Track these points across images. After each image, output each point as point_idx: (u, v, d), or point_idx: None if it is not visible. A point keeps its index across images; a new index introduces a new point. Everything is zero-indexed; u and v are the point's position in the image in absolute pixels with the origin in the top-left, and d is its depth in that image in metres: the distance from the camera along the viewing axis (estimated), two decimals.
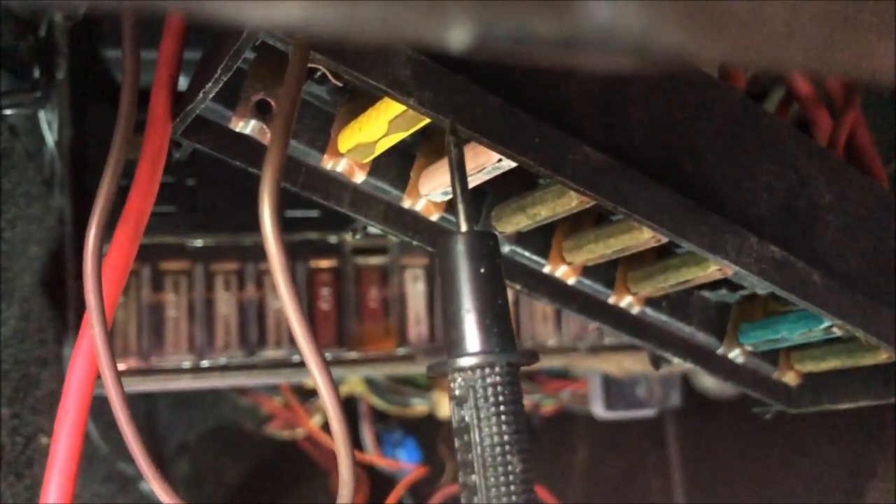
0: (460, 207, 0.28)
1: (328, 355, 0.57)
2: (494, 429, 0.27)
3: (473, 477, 0.27)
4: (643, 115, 0.32)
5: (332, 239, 0.58)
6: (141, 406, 0.74)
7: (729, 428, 0.83)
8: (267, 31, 0.26)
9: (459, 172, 0.28)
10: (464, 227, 0.28)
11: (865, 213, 0.38)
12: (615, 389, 0.68)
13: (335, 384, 0.25)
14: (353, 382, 0.78)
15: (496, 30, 0.14)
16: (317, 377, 0.25)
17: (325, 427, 0.79)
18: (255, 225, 0.61)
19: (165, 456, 0.79)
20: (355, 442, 0.80)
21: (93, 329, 0.26)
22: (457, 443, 0.28)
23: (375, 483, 0.79)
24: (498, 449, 0.27)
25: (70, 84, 0.54)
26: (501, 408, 0.27)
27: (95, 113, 0.56)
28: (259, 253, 0.57)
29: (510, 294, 0.60)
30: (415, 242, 0.37)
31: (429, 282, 0.60)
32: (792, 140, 0.36)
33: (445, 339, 0.29)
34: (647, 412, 0.69)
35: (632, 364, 0.63)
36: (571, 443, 0.87)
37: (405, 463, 0.79)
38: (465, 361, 0.27)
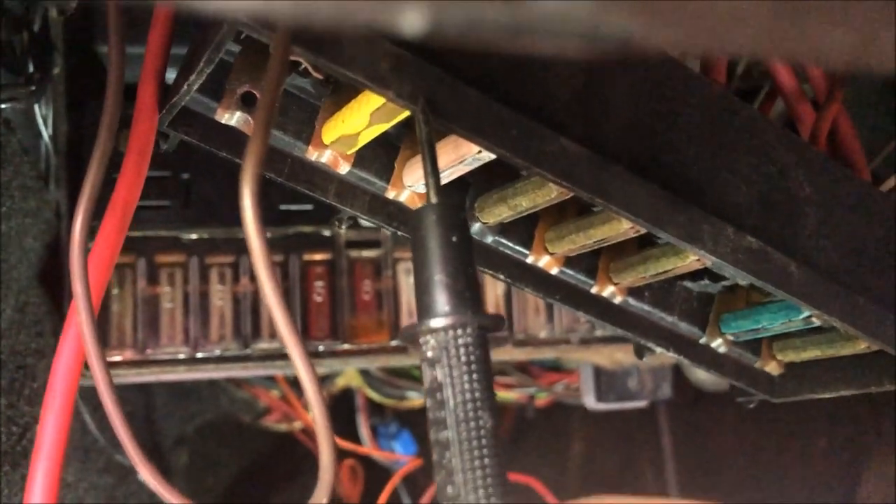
0: (430, 181, 0.30)
1: (321, 347, 0.58)
2: (467, 386, 0.28)
3: (446, 433, 0.28)
4: (622, 108, 0.33)
5: (326, 232, 0.59)
6: (138, 398, 0.75)
7: (722, 420, 0.84)
8: (228, 20, 0.26)
9: (429, 148, 0.29)
10: (434, 199, 0.30)
11: (846, 206, 0.38)
12: (607, 381, 0.68)
13: (313, 365, 0.25)
14: (350, 375, 0.78)
15: (448, 15, 0.14)
16: (297, 363, 0.25)
17: None
18: None
19: (164, 448, 0.79)
20: (352, 434, 0.80)
21: (79, 316, 0.27)
22: (428, 402, 0.29)
23: (371, 475, 0.80)
24: (470, 405, 0.28)
25: (66, 80, 0.54)
26: (473, 367, 0.28)
27: (91, 108, 0.57)
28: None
29: (501, 287, 0.60)
30: (399, 233, 0.37)
31: None
32: (772, 133, 0.37)
33: (418, 306, 0.30)
34: (639, 404, 0.70)
35: (623, 356, 0.64)
36: (566, 435, 0.88)
37: (401, 455, 0.80)
38: (438, 322, 0.28)
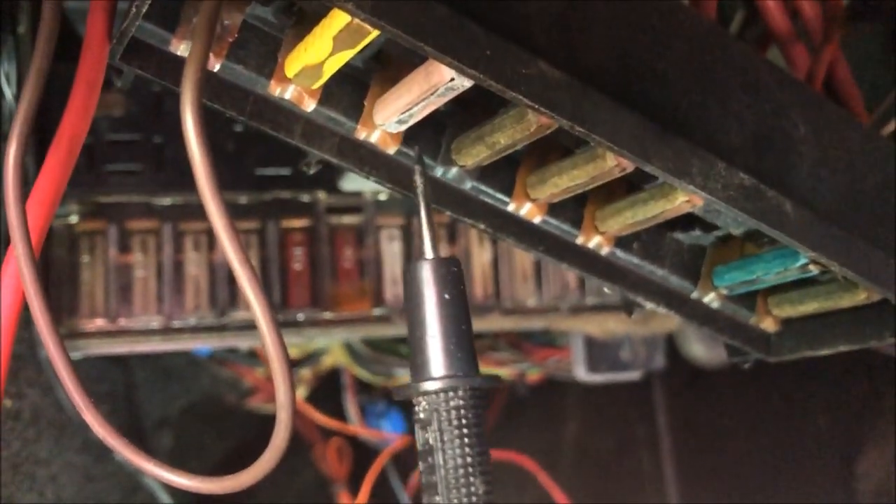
0: (427, 234, 0.30)
1: (301, 316, 0.56)
2: (458, 451, 0.28)
3: (437, 499, 0.28)
4: (605, 36, 0.31)
5: (305, 198, 0.57)
6: (118, 378, 0.73)
7: (719, 398, 0.82)
8: None
9: (425, 201, 0.31)
10: (429, 254, 0.30)
11: (842, 147, 0.36)
12: (598, 352, 0.66)
13: (269, 302, 0.23)
14: (337, 353, 0.76)
15: None
16: (250, 297, 0.23)
17: (309, 399, 0.77)
18: (223, 183, 0.59)
19: (146, 430, 0.78)
20: (339, 413, 0.78)
21: (16, 250, 0.25)
22: (421, 465, 0.29)
23: (359, 454, 0.78)
24: (461, 471, 0.28)
25: (32, 39, 0.52)
26: (465, 430, 0.28)
27: (58, 69, 0.54)
28: (230, 211, 0.56)
29: (487, 254, 0.58)
30: (371, 179, 0.35)
31: (405, 241, 0.58)
32: (766, 70, 0.35)
33: (411, 363, 0.30)
34: (632, 375, 0.68)
35: (615, 325, 0.62)
36: (559, 413, 0.86)
37: (389, 433, 0.78)
38: (429, 385, 0.29)
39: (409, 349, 0.80)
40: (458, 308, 0.30)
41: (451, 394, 0.28)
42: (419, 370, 0.29)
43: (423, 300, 0.30)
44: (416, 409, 0.29)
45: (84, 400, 0.25)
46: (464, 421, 0.28)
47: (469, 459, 0.28)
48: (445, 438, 0.28)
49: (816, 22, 0.41)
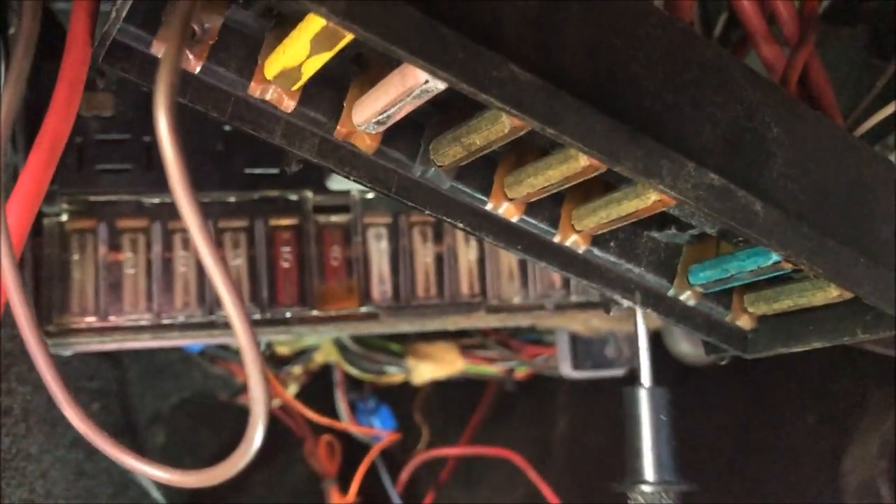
0: (645, 366, 0.42)
1: (289, 314, 0.57)
2: None
3: None
4: (577, 38, 0.31)
5: (293, 197, 0.57)
6: (111, 376, 0.74)
7: (707, 398, 0.82)
8: None
9: (645, 334, 0.42)
10: (647, 384, 0.42)
11: (816, 149, 0.37)
12: (583, 349, 0.67)
13: (239, 293, 0.24)
14: (328, 350, 0.77)
15: None
16: (220, 287, 0.24)
17: (300, 395, 0.78)
18: (212, 183, 0.60)
19: (139, 427, 0.78)
20: (330, 410, 0.79)
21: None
22: None
23: (350, 450, 0.79)
24: None
25: None
26: None
27: (49, 70, 0.55)
28: (217, 211, 0.57)
29: (473, 252, 0.59)
30: (351, 178, 0.36)
31: (392, 240, 0.59)
32: (738, 72, 0.36)
33: (629, 464, 0.41)
34: (616, 371, 0.69)
35: (600, 323, 0.63)
36: (549, 411, 0.86)
37: (380, 430, 0.79)
38: (646, 487, 0.40)
39: (400, 347, 0.80)
40: (669, 427, 0.41)
41: (663, 495, 0.39)
42: (637, 472, 0.40)
43: (641, 419, 0.40)
44: (631, 502, 0.40)
45: (64, 394, 0.26)
46: None
47: None
48: None
49: (792, 24, 0.42)
